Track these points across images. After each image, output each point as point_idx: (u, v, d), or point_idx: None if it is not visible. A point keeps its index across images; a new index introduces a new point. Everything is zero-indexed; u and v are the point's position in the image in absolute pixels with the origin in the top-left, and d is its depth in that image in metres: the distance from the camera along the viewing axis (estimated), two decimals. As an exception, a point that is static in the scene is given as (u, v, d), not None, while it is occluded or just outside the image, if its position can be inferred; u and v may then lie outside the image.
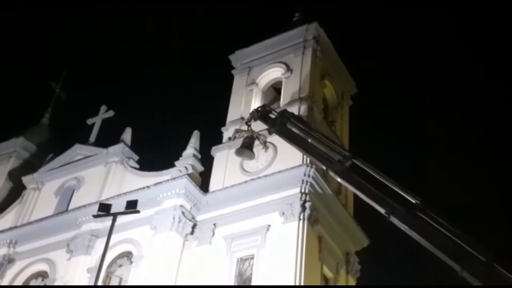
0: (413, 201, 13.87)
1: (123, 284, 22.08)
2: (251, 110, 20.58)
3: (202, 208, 23.27)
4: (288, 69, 26.67)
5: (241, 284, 20.68)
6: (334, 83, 28.21)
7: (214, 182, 23.98)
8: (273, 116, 19.48)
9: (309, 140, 17.97)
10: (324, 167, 16.55)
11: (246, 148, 20.25)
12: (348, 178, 15.69)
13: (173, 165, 24.25)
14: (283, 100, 25.81)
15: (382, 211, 14.27)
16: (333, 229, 22.77)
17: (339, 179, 16.07)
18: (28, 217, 26.52)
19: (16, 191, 29.14)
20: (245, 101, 26.86)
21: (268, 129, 19.91)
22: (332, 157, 16.59)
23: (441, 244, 12.69)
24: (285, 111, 19.96)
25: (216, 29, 52.02)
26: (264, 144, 21.31)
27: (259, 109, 20.32)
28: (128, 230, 22.55)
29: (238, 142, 24.36)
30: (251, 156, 20.71)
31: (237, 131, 21.14)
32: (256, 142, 20.21)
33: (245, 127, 20.89)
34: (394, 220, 13.78)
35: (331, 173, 16.23)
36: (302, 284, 19.35)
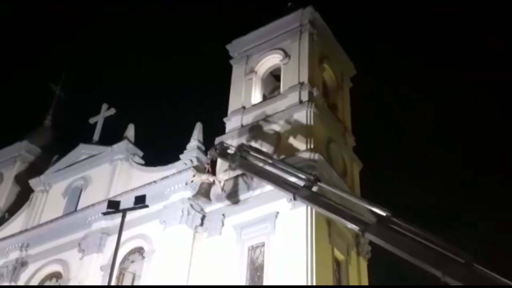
0: (383, 214, 13.96)
1: (136, 279, 22.28)
2: (223, 143, 21.36)
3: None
4: (286, 55, 26.65)
5: (253, 272, 20.83)
6: (333, 66, 28.19)
7: (221, 173, 24.05)
8: (232, 152, 19.87)
9: (272, 169, 18.27)
10: (290, 195, 16.80)
11: (202, 195, 21.02)
12: (316, 202, 15.89)
13: (178, 159, 24.35)
14: (283, 87, 25.83)
15: (356, 228, 14.43)
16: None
17: (307, 204, 16.29)
18: (38, 220, 26.73)
19: (24, 195, 29.37)
20: (245, 90, 26.89)
21: (229, 165, 20.31)
22: (297, 183, 16.90)
23: (418, 253, 12.76)
24: (243, 145, 20.51)
25: (212, 20, 51.87)
26: (222, 189, 21.85)
27: (217, 146, 20.85)
28: (138, 226, 22.72)
29: (243, 134, 24.69)
30: (208, 202, 21.68)
31: (194, 175, 21.74)
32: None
33: (203, 170, 21.73)
34: (369, 236, 13.94)
35: (299, 199, 16.45)
36: (315, 269, 19.48)
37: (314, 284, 19.08)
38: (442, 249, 12.52)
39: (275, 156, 21.16)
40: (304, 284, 19.10)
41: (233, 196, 22.60)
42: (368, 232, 13.84)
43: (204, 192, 21.27)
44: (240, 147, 20.03)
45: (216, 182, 21.69)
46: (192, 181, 21.98)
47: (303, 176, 17.19)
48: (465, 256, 12.15)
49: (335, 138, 25.09)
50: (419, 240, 12.93)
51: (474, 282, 11.70)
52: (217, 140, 25.23)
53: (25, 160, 31.69)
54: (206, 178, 21.40)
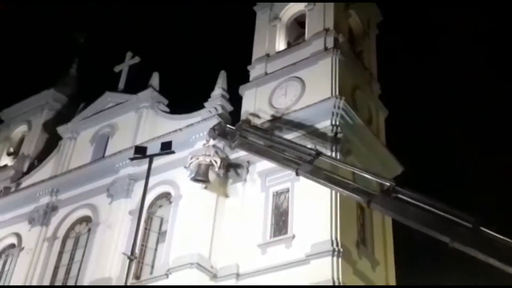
0: (388, 184, 14.05)
1: (164, 223, 22.82)
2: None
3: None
4: (311, 0, 26.20)
5: (278, 217, 21.15)
6: (359, 12, 27.67)
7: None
8: (231, 131, 19.79)
9: (272, 147, 18.21)
10: (293, 171, 16.79)
11: (201, 176, 20.91)
12: (319, 176, 15.93)
13: (202, 107, 24.49)
14: (308, 33, 25.53)
15: (361, 200, 14.51)
16: (366, 159, 22.88)
17: (309, 178, 16.28)
18: (67, 166, 27.32)
19: (52, 142, 29.94)
20: (269, 37, 26.64)
21: (229, 145, 20.22)
22: (298, 159, 16.88)
23: (425, 220, 12.86)
24: (242, 123, 20.23)
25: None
26: (219, 168, 21.65)
27: (216, 127, 20.73)
28: (165, 172, 23.08)
29: (267, 82, 24.63)
30: (207, 183, 21.51)
31: (192, 158, 21.55)
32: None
33: (202, 151, 21.39)
34: (375, 206, 13.98)
35: (302, 175, 16.45)
36: (338, 213, 19.75)
37: (338, 228, 19.38)
38: (448, 215, 12.63)
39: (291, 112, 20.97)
40: (328, 229, 19.39)
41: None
42: (373, 203, 13.98)
43: (202, 174, 21.36)
44: (240, 127, 20.09)
45: (213, 162, 21.68)
46: (189, 165, 21.91)
47: (305, 151, 17.32)
48: (471, 220, 12.23)
49: (360, 86, 24.90)
50: (425, 207, 13.06)
51: (482, 246, 11.77)
52: (241, 88, 25.27)
53: (52, 108, 32.11)
54: (202, 159, 21.42)
